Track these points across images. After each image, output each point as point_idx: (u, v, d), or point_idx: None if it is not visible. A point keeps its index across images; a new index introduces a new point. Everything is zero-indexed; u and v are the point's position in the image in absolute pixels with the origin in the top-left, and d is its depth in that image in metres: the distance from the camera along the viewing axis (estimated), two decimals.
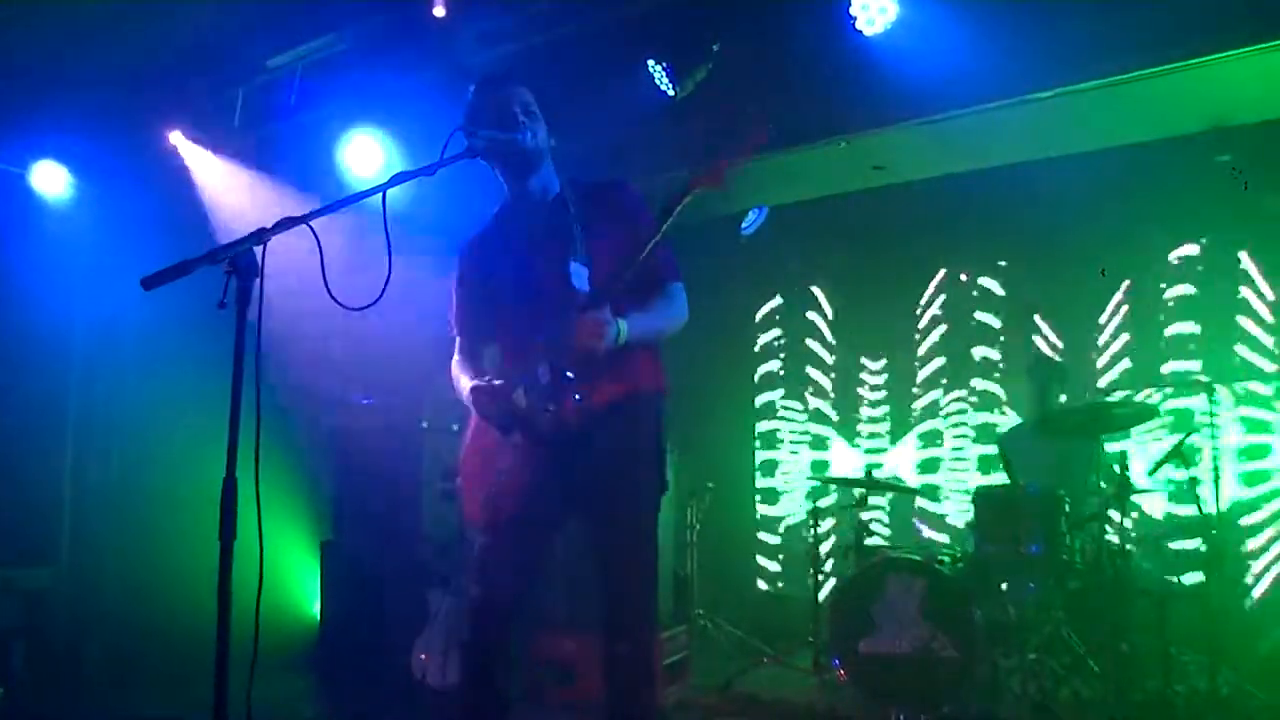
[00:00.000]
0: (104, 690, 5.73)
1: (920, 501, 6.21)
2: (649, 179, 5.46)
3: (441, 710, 4.53)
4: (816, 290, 6.83)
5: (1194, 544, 4.89)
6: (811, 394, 6.78)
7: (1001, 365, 6.14)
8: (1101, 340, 5.79)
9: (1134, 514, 4.23)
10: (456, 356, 2.82)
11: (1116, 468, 4.20)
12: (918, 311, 6.44)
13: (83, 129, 6.23)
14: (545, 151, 2.67)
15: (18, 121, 6.03)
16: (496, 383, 2.55)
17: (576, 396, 2.44)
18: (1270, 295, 5.34)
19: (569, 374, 2.45)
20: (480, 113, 2.61)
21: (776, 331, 6.99)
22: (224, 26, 5.21)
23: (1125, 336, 5.73)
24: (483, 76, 2.73)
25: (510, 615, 2.57)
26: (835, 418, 6.68)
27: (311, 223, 2.06)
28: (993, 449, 5.55)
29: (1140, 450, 5.36)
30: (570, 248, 2.54)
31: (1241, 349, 5.38)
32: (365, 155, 5.70)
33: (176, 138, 6.14)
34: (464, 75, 5.24)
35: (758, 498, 6.89)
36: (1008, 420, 5.99)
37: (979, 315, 6.24)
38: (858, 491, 5.01)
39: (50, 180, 6.45)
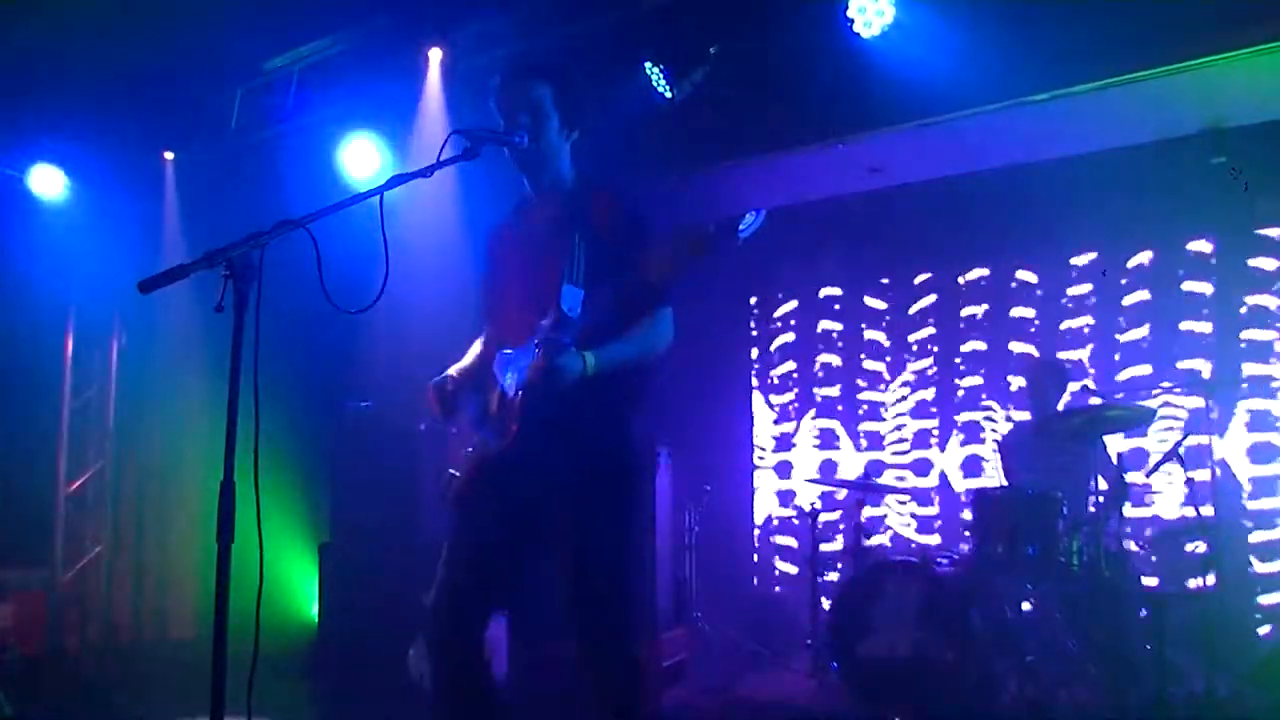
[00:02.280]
0: (101, 693, 5.72)
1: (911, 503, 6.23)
2: (646, 180, 5.52)
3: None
4: (814, 292, 6.84)
5: (1192, 546, 4.89)
6: (812, 395, 6.78)
7: (983, 369, 6.19)
8: (1101, 339, 5.82)
9: (1132, 516, 4.23)
10: (479, 347, 2.79)
11: (1115, 469, 4.21)
12: (913, 313, 6.46)
13: (80, 132, 6.24)
14: (554, 150, 2.61)
15: (14, 125, 6.04)
16: (450, 379, 2.62)
17: (514, 429, 2.40)
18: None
19: (512, 398, 2.43)
20: (496, 107, 2.60)
21: (775, 333, 7.00)
22: (221, 29, 5.21)
23: (1125, 337, 5.75)
24: (503, 67, 2.67)
25: (474, 607, 2.50)
26: (837, 418, 6.69)
27: (309, 225, 2.06)
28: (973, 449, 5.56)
29: (1139, 452, 5.37)
30: (569, 263, 2.46)
31: (1247, 347, 5.39)
32: (363, 158, 5.70)
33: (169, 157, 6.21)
34: (463, 78, 5.27)
35: (755, 499, 6.90)
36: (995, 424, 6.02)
37: (966, 314, 6.28)
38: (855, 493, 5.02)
39: (47, 183, 6.45)
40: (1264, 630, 4.54)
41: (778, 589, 6.68)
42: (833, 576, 5.89)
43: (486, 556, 2.50)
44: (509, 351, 2.54)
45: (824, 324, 6.79)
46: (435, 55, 5.34)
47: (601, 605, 2.43)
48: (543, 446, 2.42)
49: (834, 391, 6.70)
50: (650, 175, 5.42)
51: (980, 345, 6.20)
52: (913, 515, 6.30)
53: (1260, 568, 5.17)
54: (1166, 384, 5.38)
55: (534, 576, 2.53)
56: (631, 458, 2.52)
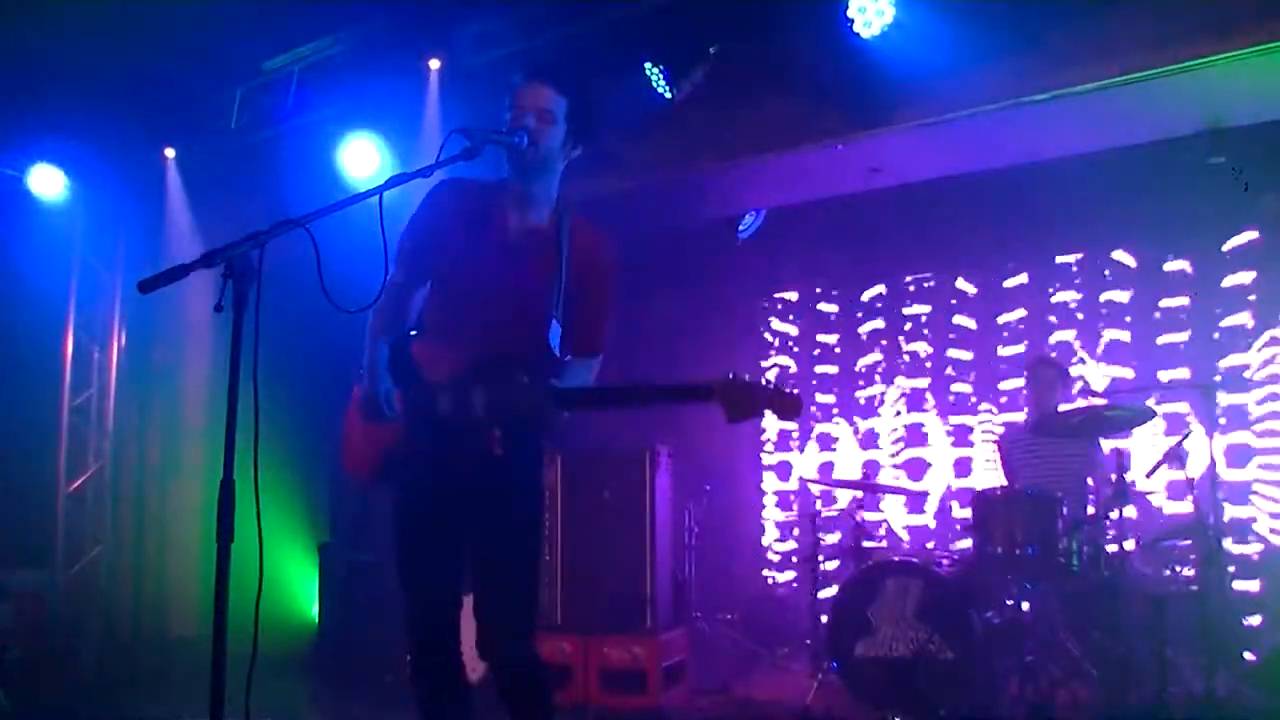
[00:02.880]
0: (101, 692, 5.72)
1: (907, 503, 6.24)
2: (646, 178, 5.53)
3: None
4: (815, 291, 6.84)
5: (1192, 545, 4.89)
6: (814, 394, 6.78)
7: (973, 370, 6.21)
8: (1098, 343, 5.82)
9: (1131, 516, 4.22)
10: (383, 300, 2.65)
11: (1114, 469, 4.21)
12: (911, 313, 6.47)
13: (80, 132, 6.24)
14: (552, 160, 2.59)
15: (15, 125, 6.04)
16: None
17: (497, 433, 2.49)
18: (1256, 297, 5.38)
19: (481, 414, 2.50)
20: (507, 105, 2.58)
21: (776, 332, 7.00)
22: (221, 29, 5.21)
23: (1123, 339, 5.75)
24: (526, 66, 2.66)
25: (448, 601, 2.59)
26: (838, 418, 6.69)
27: (309, 225, 2.05)
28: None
29: (1139, 452, 5.37)
30: (554, 293, 2.56)
31: (1228, 351, 5.43)
32: (363, 158, 5.70)
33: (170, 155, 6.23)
34: (463, 77, 5.27)
35: (755, 499, 6.89)
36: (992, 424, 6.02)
37: (960, 320, 6.30)
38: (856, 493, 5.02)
39: (47, 183, 6.46)
40: (1250, 657, 4.52)
41: (778, 589, 6.68)
42: (831, 566, 5.89)
43: (453, 553, 2.58)
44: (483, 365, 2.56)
45: (824, 322, 6.81)
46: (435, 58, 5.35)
47: (523, 593, 2.59)
48: (501, 451, 2.50)
49: (833, 396, 6.72)
50: (650, 175, 5.43)
51: (972, 349, 6.24)
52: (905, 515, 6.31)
53: (1238, 585, 5.13)
54: (1163, 382, 5.40)
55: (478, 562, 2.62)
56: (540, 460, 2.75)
